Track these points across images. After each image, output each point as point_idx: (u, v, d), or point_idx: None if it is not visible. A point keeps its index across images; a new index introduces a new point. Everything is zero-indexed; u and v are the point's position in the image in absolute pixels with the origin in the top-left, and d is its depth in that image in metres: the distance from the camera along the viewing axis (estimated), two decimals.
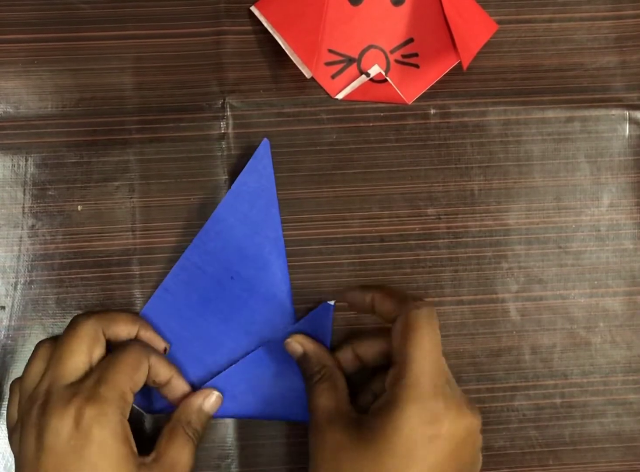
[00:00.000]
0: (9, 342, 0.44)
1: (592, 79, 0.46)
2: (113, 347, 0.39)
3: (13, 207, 0.44)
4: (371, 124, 0.46)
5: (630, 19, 0.47)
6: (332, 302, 0.43)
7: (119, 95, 0.45)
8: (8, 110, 0.45)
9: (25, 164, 0.45)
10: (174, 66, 0.45)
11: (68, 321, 0.43)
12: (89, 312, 0.41)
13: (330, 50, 0.45)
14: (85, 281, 0.44)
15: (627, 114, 0.46)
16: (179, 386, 0.41)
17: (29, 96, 0.45)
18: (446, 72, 0.45)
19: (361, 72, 0.45)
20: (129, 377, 0.37)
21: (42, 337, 0.44)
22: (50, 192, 0.45)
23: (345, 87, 0.45)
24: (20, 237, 0.44)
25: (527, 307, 0.45)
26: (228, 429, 0.44)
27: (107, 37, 0.45)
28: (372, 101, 0.45)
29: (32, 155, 0.45)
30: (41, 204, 0.44)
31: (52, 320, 0.44)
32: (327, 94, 0.45)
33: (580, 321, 0.46)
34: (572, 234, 0.46)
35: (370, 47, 0.45)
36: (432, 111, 0.46)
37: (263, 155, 0.44)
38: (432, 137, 0.46)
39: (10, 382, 0.42)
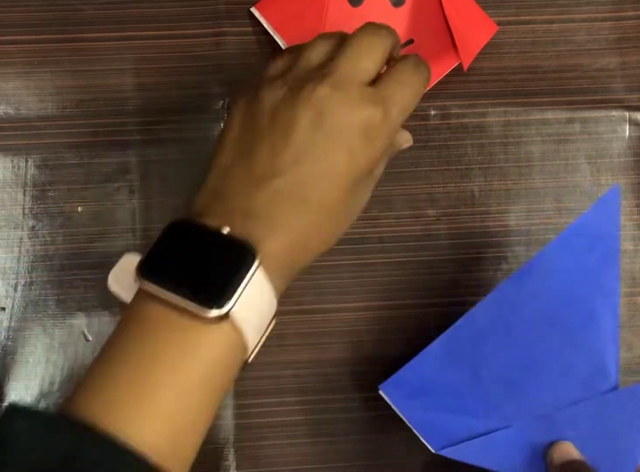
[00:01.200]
0: (9, 343, 0.44)
1: (592, 80, 0.47)
2: None
3: (13, 208, 0.44)
4: None
5: (630, 20, 0.47)
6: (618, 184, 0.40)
7: (119, 96, 0.45)
8: (8, 111, 0.45)
9: (26, 165, 0.45)
10: (175, 67, 0.45)
11: (68, 321, 0.44)
12: (388, 27, 0.36)
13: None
14: (86, 282, 0.44)
15: (627, 115, 0.46)
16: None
17: (30, 97, 0.45)
18: (446, 73, 0.45)
19: None
20: (414, 103, 0.36)
21: (43, 338, 0.44)
22: (50, 194, 0.45)
23: None
24: (21, 238, 0.44)
25: None
26: (228, 430, 0.44)
27: (107, 38, 0.45)
28: None
29: (33, 156, 0.45)
30: (41, 205, 0.45)
31: (52, 321, 0.44)
32: None
33: None
34: None
35: None
36: (432, 112, 0.46)
37: (612, 200, 0.39)
38: (432, 138, 0.46)
39: (10, 383, 0.42)
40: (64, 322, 0.44)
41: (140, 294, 0.31)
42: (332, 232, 0.35)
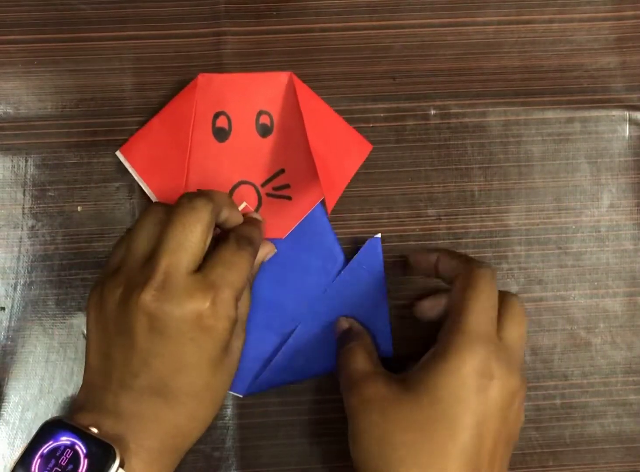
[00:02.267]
0: (9, 343, 0.44)
1: (592, 80, 0.46)
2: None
3: (13, 208, 0.44)
4: (371, 125, 0.46)
5: (630, 19, 0.47)
6: (378, 236, 0.44)
7: (119, 96, 0.45)
8: (8, 111, 0.45)
9: (25, 165, 0.45)
10: (174, 67, 0.45)
11: (68, 321, 0.44)
12: (207, 197, 0.37)
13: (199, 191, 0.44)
14: (85, 281, 0.44)
15: (628, 114, 0.46)
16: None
17: (29, 97, 0.45)
18: (318, 202, 0.44)
19: None
20: (246, 279, 0.37)
21: (42, 338, 0.44)
22: (50, 193, 0.45)
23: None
24: (20, 238, 0.44)
25: (527, 308, 0.45)
26: (228, 430, 0.44)
27: (107, 37, 0.45)
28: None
29: (32, 156, 0.45)
30: (41, 205, 0.44)
31: (52, 321, 0.44)
32: None
33: (581, 321, 0.46)
34: (572, 235, 0.46)
35: (240, 183, 0.44)
36: (432, 112, 0.46)
37: (375, 246, 0.45)
38: (432, 137, 0.46)
39: (10, 383, 0.42)
40: (64, 322, 0.44)
41: None
42: (205, 415, 0.37)
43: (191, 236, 0.35)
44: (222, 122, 0.44)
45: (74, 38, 0.45)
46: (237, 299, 0.36)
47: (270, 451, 0.44)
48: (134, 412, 0.35)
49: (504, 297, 0.38)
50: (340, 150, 0.44)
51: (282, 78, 0.44)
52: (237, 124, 0.44)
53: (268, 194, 0.44)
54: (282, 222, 0.44)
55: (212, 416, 0.38)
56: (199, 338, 0.35)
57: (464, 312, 0.36)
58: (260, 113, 0.44)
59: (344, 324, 0.43)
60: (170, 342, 0.35)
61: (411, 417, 0.34)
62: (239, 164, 0.44)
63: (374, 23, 0.46)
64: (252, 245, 0.38)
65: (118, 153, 0.44)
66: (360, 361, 0.39)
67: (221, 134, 0.44)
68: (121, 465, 0.33)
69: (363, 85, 0.46)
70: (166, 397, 0.35)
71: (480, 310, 0.36)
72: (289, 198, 0.44)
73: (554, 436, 0.45)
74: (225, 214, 0.39)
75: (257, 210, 0.44)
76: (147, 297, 0.34)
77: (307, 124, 0.43)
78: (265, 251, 0.43)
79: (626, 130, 0.46)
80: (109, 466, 0.33)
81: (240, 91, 0.44)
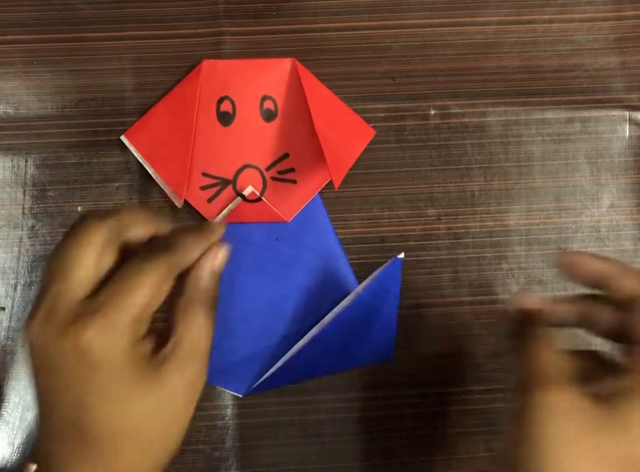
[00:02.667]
0: (9, 343, 0.44)
1: (592, 80, 0.46)
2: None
3: (13, 208, 0.44)
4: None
5: (630, 19, 0.47)
6: (401, 256, 0.44)
7: (119, 96, 0.45)
8: (8, 111, 0.45)
9: (25, 165, 0.45)
10: (174, 67, 0.45)
11: None
12: (100, 214, 0.33)
13: (204, 174, 0.44)
14: None
15: (627, 114, 0.46)
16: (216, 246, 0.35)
17: (29, 97, 0.45)
18: (324, 185, 0.45)
19: (237, 194, 0.44)
20: (148, 299, 0.31)
21: None
22: (50, 193, 0.45)
23: (222, 210, 0.44)
24: (20, 238, 0.44)
25: None
26: (228, 430, 0.44)
27: (107, 37, 0.45)
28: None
29: (32, 156, 0.45)
30: (41, 205, 0.44)
31: None
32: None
33: None
34: (572, 235, 0.46)
35: (245, 166, 0.44)
36: (432, 112, 0.46)
37: (396, 266, 0.44)
38: (432, 137, 0.46)
39: (10, 383, 0.42)
40: None
41: None
42: (131, 468, 0.32)
43: (76, 260, 0.31)
44: (226, 106, 0.44)
45: (74, 38, 0.45)
46: (136, 321, 0.31)
47: (270, 451, 0.44)
48: (54, 461, 0.31)
49: None
50: (345, 132, 0.44)
51: (285, 64, 0.45)
52: (241, 109, 0.44)
53: (273, 178, 0.44)
54: (287, 206, 0.44)
55: (148, 459, 0.32)
56: (87, 373, 0.30)
57: None
58: (264, 98, 0.44)
59: (528, 300, 0.35)
60: (60, 379, 0.31)
61: (610, 450, 0.29)
62: (244, 147, 0.44)
63: (374, 23, 0.46)
64: (168, 251, 0.32)
65: (123, 137, 0.44)
66: (556, 354, 0.32)
67: (225, 118, 0.44)
68: None
69: (363, 85, 0.46)
70: (83, 439, 0.31)
71: None
72: (294, 182, 0.44)
73: None
74: (138, 231, 0.33)
75: (262, 194, 0.44)
76: (35, 329, 0.31)
77: (311, 107, 0.43)
78: (218, 258, 0.34)
79: (626, 130, 0.46)
80: None
81: (244, 76, 0.44)
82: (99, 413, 0.31)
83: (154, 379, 0.31)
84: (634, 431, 0.29)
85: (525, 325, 0.34)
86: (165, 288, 0.32)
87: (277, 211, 0.44)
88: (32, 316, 0.31)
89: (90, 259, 0.31)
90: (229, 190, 0.44)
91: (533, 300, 0.35)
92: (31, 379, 0.32)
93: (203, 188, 0.44)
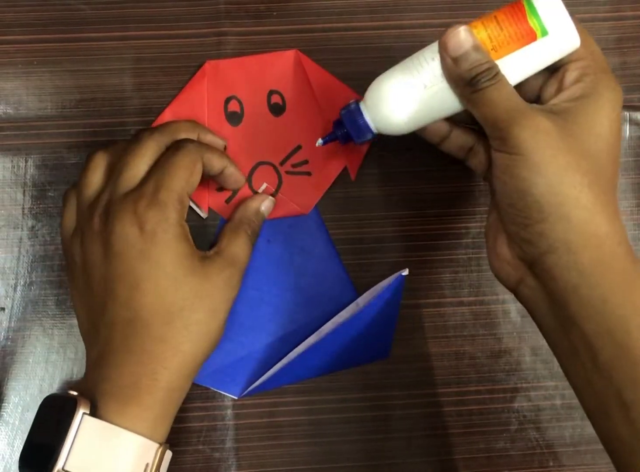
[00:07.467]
0: (9, 343, 0.44)
1: None
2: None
3: (13, 208, 0.44)
4: None
5: (630, 19, 0.47)
6: (405, 272, 0.44)
7: (119, 96, 0.45)
8: (8, 111, 0.45)
9: (25, 165, 0.45)
10: (174, 67, 0.45)
11: (68, 321, 0.44)
12: (151, 128, 0.40)
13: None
14: None
15: (628, 115, 0.46)
16: (233, 174, 0.42)
17: (29, 97, 0.45)
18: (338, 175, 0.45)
19: (254, 192, 0.44)
20: (184, 181, 0.37)
21: (42, 338, 0.44)
22: (50, 193, 0.45)
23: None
24: (20, 239, 0.44)
25: None
26: (228, 431, 0.44)
27: (107, 38, 0.45)
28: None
29: (32, 156, 0.45)
30: (41, 205, 0.44)
31: (52, 321, 0.44)
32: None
33: None
34: None
35: (259, 164, 0.44)
36: None
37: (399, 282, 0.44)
38: None
39: (10, 383, 0.42)
40: (64, 322, 0.44)
41: None
42: (179, 340, 0.36)
43: (133, 166, 0.37)
44: (233, 106, 0.44)
45: (74, 38, 0.45)
46: (178, 200, 0.37)
47: (270, 451, 0.44)
48: (107, 350, 0.35)
49: None
50: None
51: (288, 56, 0.45)
52: (249, 107, 0.44)
53: (287, 172, 0.44)
54: (304, 199, 0.44)
55: (190, 343, 0.36)
56: (147, 249, 0.35)
57: (594, 58, 0.37)
58: (271, 93, 0.44)
59: (466, 38, 0.36)
60: (123, 260, 0.35)
61: (573, 161, 0.34)
62: (256, 145, 0.44)
63: (375, 23, 0.46)
64: (189, 142, 0.39)
65: None
66: (514, 93, 0.35)
67: (234, 118, 0.44)
68: (93, 413, 0.33)
69: (363, 86, 0.46)
70: (132, 322, 0.35)
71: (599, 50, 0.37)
72: (309, 174, 0.44)
73: (555, 437, 0.45)
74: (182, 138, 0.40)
75: (277, 189, 0.44)
76: (95, 224, 0.36)
77: (318, 97, 0.43)
78: (265, 202, 0.43)
79: (626, 130, 0.46)
80: (68, 422, 0.33)
81: (249, 73, 0.44)
82: (149, 296, 0.35)
83: (197, 270, 0.36)
84: (591, 130, 0.35)
85: (478, 78, 0.35)
86: (196, 173, 0.38)
87: (294, 205, 0.44)
88: (90, 216, 0.37)
89: (145, 162, 0.38)
90: (245, 190, 0.44)
91: (464, 37, 0.37)
92: (90, 270, 0.37)
93: (219, 190, 0.44)
